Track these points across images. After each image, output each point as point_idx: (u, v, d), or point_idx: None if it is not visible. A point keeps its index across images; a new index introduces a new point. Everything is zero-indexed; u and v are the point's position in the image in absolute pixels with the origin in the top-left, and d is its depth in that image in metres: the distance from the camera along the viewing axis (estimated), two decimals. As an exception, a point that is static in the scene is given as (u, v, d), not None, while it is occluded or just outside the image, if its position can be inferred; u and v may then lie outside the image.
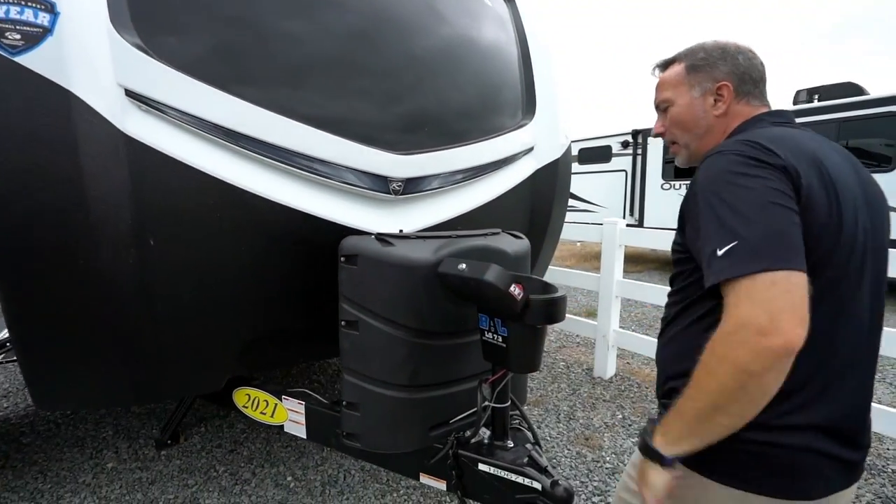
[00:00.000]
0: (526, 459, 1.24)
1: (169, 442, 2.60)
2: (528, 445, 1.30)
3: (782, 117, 0.90)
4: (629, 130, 8.99)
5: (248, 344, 1.70)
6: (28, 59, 1.21)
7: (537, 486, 1.18)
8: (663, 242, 3.22)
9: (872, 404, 2.16)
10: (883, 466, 2.32)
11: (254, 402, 1.85)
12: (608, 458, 2.47)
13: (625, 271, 3.58)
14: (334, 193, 1.70)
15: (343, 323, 1.34)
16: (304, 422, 1.68)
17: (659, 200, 8.25)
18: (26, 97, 1.21)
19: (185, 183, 1.42)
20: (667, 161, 8.02)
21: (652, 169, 8.34)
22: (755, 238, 0.68)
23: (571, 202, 10.84)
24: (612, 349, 3.50)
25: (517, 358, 1.20)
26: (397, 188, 1.79)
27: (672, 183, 8.01)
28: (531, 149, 2.33)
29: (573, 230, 3.88)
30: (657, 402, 0.97)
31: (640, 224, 8.51)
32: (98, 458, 2.49)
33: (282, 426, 1.77)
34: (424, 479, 1.40)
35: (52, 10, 1.24)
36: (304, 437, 1.69)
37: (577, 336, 4.35)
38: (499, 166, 2.17)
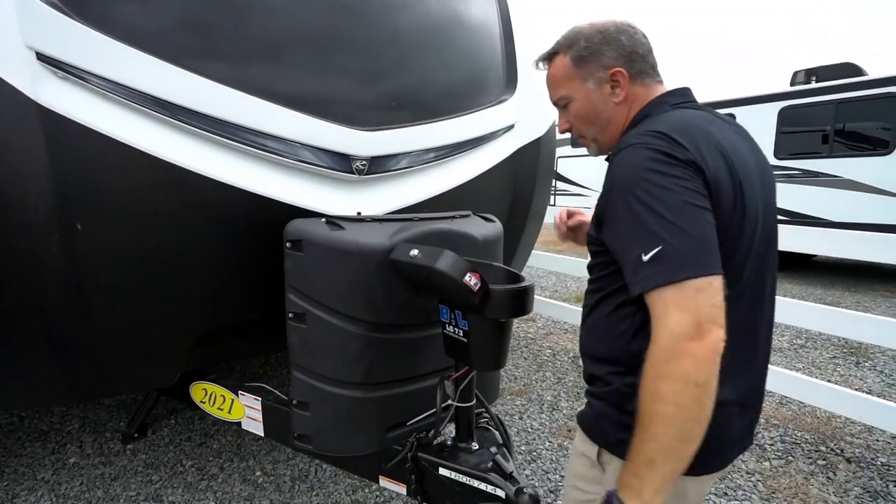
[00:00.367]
0: (490, 464, 1.14)
1: (136, 435, 2.49)
2: (493, 449, 1.19)
3: (683, 97, 0.90)
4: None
5: (201, 337, 1.58)
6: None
7: (501, 493, 1.08)
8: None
9: (863, 395, 2.12)
10: (872, 459, 2.25)
11: (211, 397, 1.73)
12: (590, 450, 2.39)
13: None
14: (291, 173, 1.56)
15: (290, 315, 1.21)
16: (261, 419, 1.57)
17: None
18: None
19: (115, 161, 1.27)
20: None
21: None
22: (679, 244, 0.68)
23: (564, 185, 10.75)
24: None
25: (479, 354, 1.08)
26: (361, 167, 1.65)
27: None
28: (511, 126, 2.18)
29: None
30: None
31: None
32: (60, 454, 2.39)
33: (239, 423, 1.66)
34: (384, 482, 1.30)
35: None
36: (262, 434, 1.58)
37: (566, 323, 4.26)
38: (476, 145, 2.02)
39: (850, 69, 6.74)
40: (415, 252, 1.05)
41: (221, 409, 1.70)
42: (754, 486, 2.07)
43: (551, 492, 2.06)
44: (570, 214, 1.23)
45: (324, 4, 1.60)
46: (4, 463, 2.30)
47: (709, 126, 0.80)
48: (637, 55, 0.89)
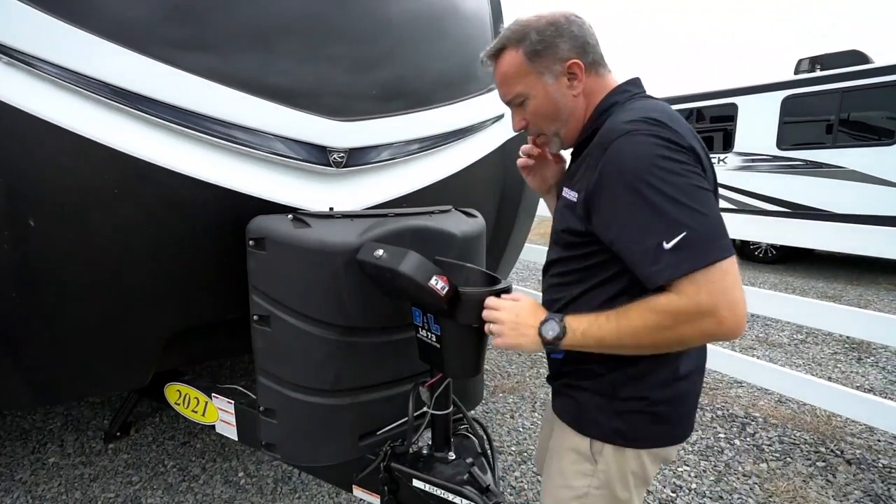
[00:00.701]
0: (466, 476, 1.07)
1: (118, 434, 2.44)
2: (470, 459, 1.12)
3: (638, 87, 0.90)
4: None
5: (172, 337, 1.51)
6: None
7: (476, 508, 1.01)
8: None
9: (864, 394, 2.09)
10: (873, 461, 2.18)
11: (185, 398, 1.67)
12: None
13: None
14: (263, 166, 1.47)
15: (255, 318, 1.14)
16: (234, 423, 1.50)
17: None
18: None
19: (69, 153, 1.19)
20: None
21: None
22: (703, 229, 0.69)
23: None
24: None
25: (452, 361, 1.01)
26: (339, 160, 1.57)
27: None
28: (501, 116, 2.09)
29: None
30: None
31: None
32: (40, 453, 2.34)
33: (213, 426, 1.60)
34: (358, 492, 1.24)
35: None
36: (236, 439, 1.52)
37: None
38: (462, 135, 1.93)
39: (856, 57, 6.57)
40: (379, 252, 0.97)
41: (196, 412, 1.64)
42: (751, 489, 2.01)
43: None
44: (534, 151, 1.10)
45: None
46: (-18, 463, 2.25)
47: (675, 112, 0.82)
48: (589, 46, 0.88)
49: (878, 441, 2.34)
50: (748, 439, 2.37)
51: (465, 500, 1.03)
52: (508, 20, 2.17)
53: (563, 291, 0.90)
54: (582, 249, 0.85)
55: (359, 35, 1.61)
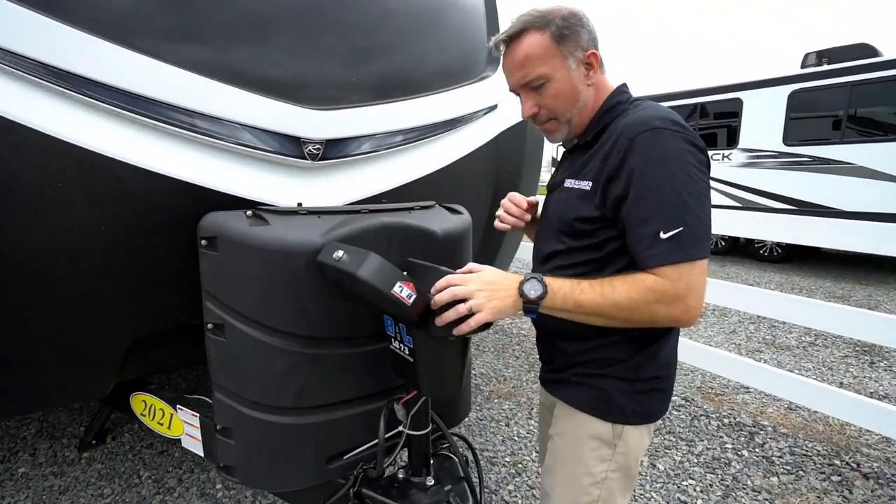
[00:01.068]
0: (445, 505, 0.95)
1: (94, 442, 2.32)
2: (449, 486, 0.99)
3: (629, 91, 0.96)
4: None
5: (133, 344, 1.38)
6: None
7: (454, 543, 0.89)
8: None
9: (879, 402, 2.05)
10: (892, 475, 2.05)
11: (150, 409, 1.55)
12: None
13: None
14: (230, 159, 1.34)
15: (208, 326, 1.01)
16: (200, 437, 1.38)
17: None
18: None
19: (8, 144, 1.07)
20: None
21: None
22: (698, 229, 0.78)
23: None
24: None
25: (427, 377, 0.88)
26: (314, 152, 1.44)
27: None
28: (494, 107, 1.96)
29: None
30: (553, 376, 1.01)
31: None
32: (10, 462, 2.22)
33: (179, 440, 1.47)
34: (328, 519, 1.11)
35: None
36: (202, 454, 1.40)
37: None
38: (452, 127, 1.80)
39: (865, 50, 6.41)
40: (339, 254, 0.84)
41: (161, 424, 1.52)
42: (761, 505, 1.88)
43: (535, 510, 1.88)
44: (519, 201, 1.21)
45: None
46: (-51, 474, 2.14)
47: None
48: (597, 43, 0.93)
49: (896, 453, 2.21)
50: (757, 450, 2.24)
51: (442, 535, 0.90)
52: (503, 5, 2.05)
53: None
54: (597, 237, 0.88)
55: (338, 15, 1.48)
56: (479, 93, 1.90)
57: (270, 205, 1.34)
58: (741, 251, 7.75)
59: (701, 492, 1.96)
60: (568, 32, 0.89)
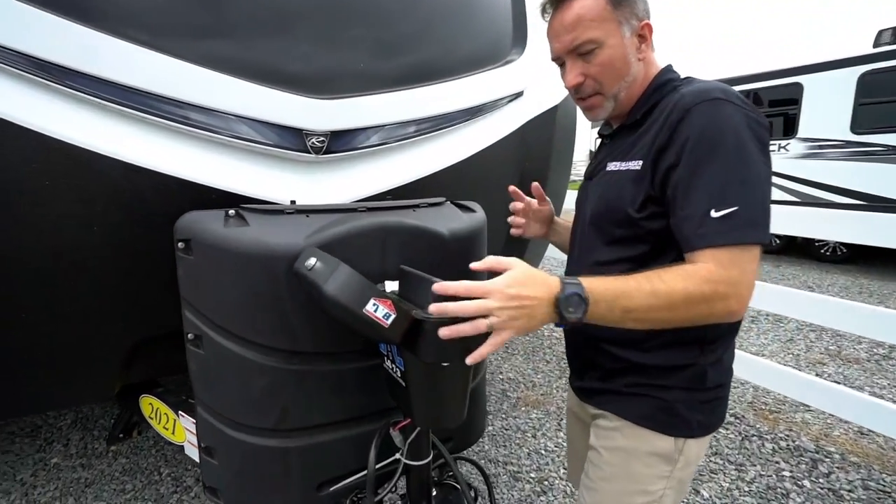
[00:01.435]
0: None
1: (121, 436, 2.36)
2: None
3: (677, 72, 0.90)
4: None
5: (134, 346, 1.34)
6: None
7: None
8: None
9: None
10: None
11: (157, 413, 1.51)
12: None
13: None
14: (227, 154, 1.27)
15: (189, 336, 0.93)
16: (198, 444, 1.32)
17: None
18: None
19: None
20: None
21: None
22: (758, 212, 0.71)
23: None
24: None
25: (420, 406, 0.76)
26: (318, 144, 1.34)
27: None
28: (520, 93, 1.80)
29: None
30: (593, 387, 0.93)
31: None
32: (45, 452, 2.30)
33: (182, 447, 1.42)
34: (320, 548, 1.01)
35: None
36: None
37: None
38: (471, 116, 1.66)
39: (954, 25, 5.68)
40: (311, 262, 0.72)
41: (167, 429, 1.48)
42: (825, 547, 1.64)
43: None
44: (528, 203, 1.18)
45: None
46: (-10, 461, 2.23)
47: None
48: (650, 14, 0.86)
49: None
50: (821, 480, 1.97)
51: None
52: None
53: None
54: (645, 226, 0.80)
55: (343, -3, 1.37)
56: (503, 78, 1.74)
57: (271, 202, 1.25)
58: (798, 250, 7.12)
59: (752, 526, 1.74)
60: None
